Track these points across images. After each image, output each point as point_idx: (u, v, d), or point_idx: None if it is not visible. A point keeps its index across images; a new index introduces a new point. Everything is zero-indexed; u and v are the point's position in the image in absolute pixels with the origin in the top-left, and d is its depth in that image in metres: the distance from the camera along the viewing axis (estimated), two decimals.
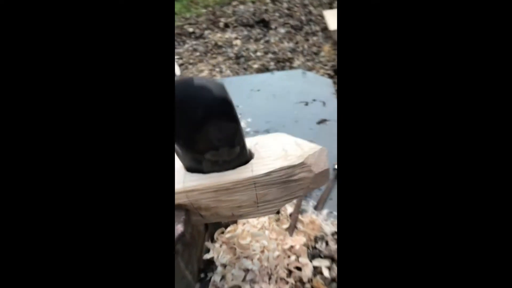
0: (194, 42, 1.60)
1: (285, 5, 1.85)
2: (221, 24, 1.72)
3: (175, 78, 0.35)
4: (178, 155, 0.37)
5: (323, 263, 0.52)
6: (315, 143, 0.38)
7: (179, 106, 0.32)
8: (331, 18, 1.39)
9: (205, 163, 0.35)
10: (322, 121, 0.88)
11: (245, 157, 0.36)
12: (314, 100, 0.96)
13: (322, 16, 1.56)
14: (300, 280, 0.50)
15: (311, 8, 1.70)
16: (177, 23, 1.89)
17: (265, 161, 0.36)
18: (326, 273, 0.51)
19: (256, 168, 0.35)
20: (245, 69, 1.25)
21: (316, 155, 0.37)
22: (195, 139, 0.33)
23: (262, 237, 0.54)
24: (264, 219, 0.58)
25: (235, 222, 0.58)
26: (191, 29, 1.74)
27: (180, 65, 1.36)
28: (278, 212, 0.61)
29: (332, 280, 0.51)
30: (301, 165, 0.35)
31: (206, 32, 1.68)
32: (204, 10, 2.04)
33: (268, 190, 0.36)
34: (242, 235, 0.54)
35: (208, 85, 0.32)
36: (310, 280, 0.50)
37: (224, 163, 0.35)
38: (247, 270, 0.51)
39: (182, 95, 0.32)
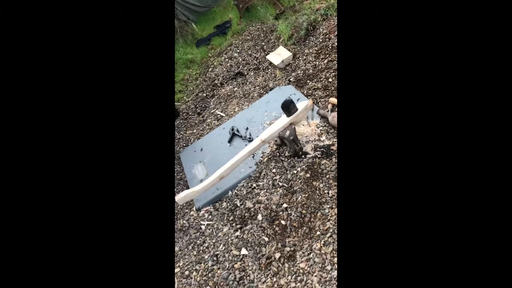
0: (213, 99, 2.99)
1: (240, 59, 3.32)
2: (218, 83, 3.13)
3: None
4: (286, 114, 1.80)
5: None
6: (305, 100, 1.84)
7: (285, 103, 1.77)
8: (272, 58, 2.89)
9: (292, 113, 1.79)
10: (298, 100, 2.35)
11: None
12: (290, 94, 2.42)
13: (265, 58, 3.06)
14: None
15: (256, 55, 3.20)
16: (190, 97, 3.24)
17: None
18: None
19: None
20: (252, 98, 2.69)
21: (298, 114, 1.81)
22: (290, 108, 1.77)
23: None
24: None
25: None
26: (204, 94, 3.12)
27: (221, 112, 2.74)
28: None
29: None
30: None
31: (214, 91, 3.08)
32: (197, 81, 3.42)
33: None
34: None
35: (289, 98, 1.78)
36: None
37: (294, 112, 1.80)
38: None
39: (285, 101, 1.78)
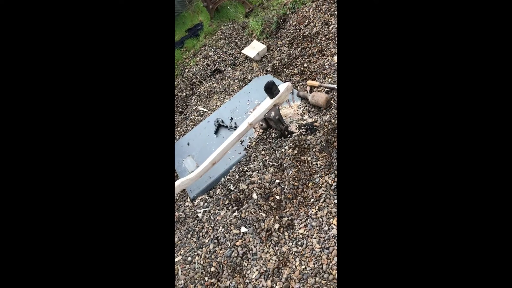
0: (193, 97, 3.02)
1: (215, 57, 3.39)
2: (197, 82, 3.17)
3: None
4: (269, 96, 1.89)
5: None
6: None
7: (267, 85, 1.87)
8: (247, 52, 3.00)
9: (275, 95, 1.89)
10: (278, 85, 2.46)
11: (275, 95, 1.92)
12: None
13: (240, 53, 3.15)
14: None
15: (231, 52, 3.28)
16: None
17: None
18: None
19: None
20: (232, 91, 2.76)
21: (280, 95, 1.91)
22: (272, 89, 1.87)
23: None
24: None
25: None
26: (184, 93, 3.14)
27: (203, 107, 2.78)
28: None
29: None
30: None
31: (194, 90, 3.11)
32: (175, 83, 3.44)
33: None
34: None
35: (270, 81, 1.87)
36: None
37: (276, 94, 1.89)
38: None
39: (267, 83, 1.87)
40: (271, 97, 1.88)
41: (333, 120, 1.89)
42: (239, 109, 2.43)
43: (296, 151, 1.85)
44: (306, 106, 2.11)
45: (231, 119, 2.38)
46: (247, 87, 2.63)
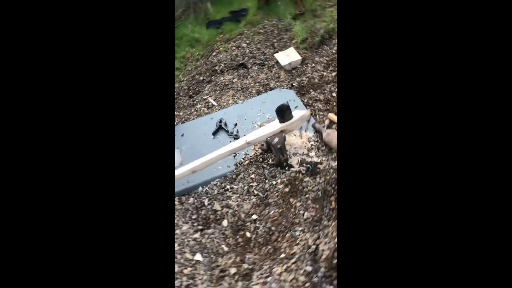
0: (209, 85, 2.81)
1: (247, 50, 3.14)
2: (219, 70, 2.94)
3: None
4: (279, 120, 1.64)
5: None
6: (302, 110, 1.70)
7: (280, 108, 1.62)
8: (280, 57, 2.73)
9: (285, 120, 1.64)
10: (296, 107, 2.20)
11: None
12: (289, 100, 2.27)
13: (273, 56, 2.89)
14: None
15: (265, 51, 3.02)
16: (186, 77, 3.05)
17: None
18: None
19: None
20: (249, 94, 2.52)
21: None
22: (285, 114, 1.62)
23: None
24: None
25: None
26: (201, 78, 2.93)
27: (214, 100, 2.56)
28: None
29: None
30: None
31: (212, 77, 2.89)
32: (197, 63, 3.22)
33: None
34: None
35: (286, 103, 1.62)
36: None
37: (288, 119, 1.65)
38: None
39: (280, 106, 1.62)
40: (281, 121, 1.64)
41: None
42: (248, 117, 2.19)
43: (287, 189, 1.62)
44: (317, 141, 1.85)
45: (235, 125, 2.15)
46: (264, 96, 2.39)
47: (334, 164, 1.66)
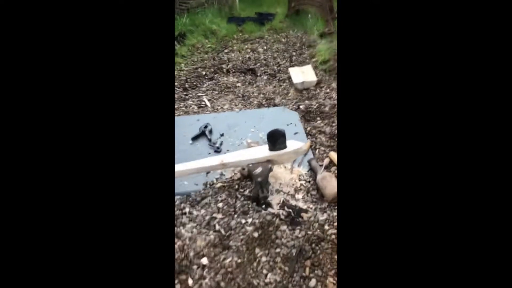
0: (209, 83, 2.49)
1: (262, 57, 2.85)
2: (225, 70, 2.64)
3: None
4: (269, 147, 1.32)
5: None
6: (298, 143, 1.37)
7: (272, 133, 1.29)
8: (293, 74, 2.43)
9: (276, 149, 1.32)
10: (295, 134, 1.88)
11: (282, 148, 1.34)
12: (290, 123, 1.95)
13: (287, 69, 2.59)
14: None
15: (280, 62, 2.72)
16: (188, 67, 2.74)
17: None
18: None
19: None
20: (249, 104, 2.21)
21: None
22: (277, 142, 1.29)
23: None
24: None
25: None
26: (203, 72, 2.62)
27: (208, 100, 2.25)
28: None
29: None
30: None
31: (216, 75, 2.58)
32: (206, 55, 2.92)
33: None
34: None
35: (280, 129, 1.29)
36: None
37: (279, 149, 1.32)
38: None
39: (274, 131, 1.29)
40: (271, 149, 1.31)
41: (327, 228, 1.29)
42: (239, 129, 1.87)
43: (256, 234, 1.27)
44: (309, 182, 1.52)
45: (221, 135, 1.82)
46: (264, 111, 2.07)
47: (322, 217, 1.32)
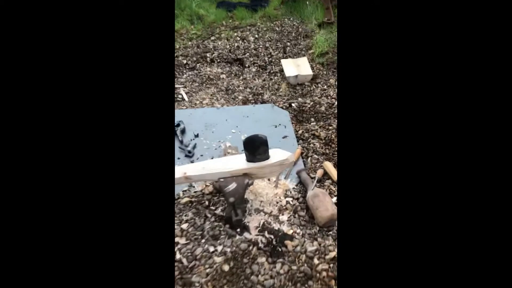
0: (190, 73, 2.18)
1: (252, 46, 2.53)
2: (209, 59, 2.32)
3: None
4: (246, 157, 1.03)
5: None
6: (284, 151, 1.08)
7: (250, 140, 0.99)
8: (286, 66, 2.13)
9: (255, 160, 1.03)
10: (284, 137, 1.59)
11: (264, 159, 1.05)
12: (279, 124, 1.66)
13: (279, 61, 2.29)
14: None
15: (272, 53, 2.42)
16: None
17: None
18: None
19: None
20: (233, 99, 1.91)
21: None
22: (257, 151, 1.00)
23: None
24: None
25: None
26: (184, 61, 2.30)
27: (186, 93, 1.94)
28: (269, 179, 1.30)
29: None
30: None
31: (198, 65, 2.27)
32: (189, 43, 2.60)
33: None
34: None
35: (261, 135, 1.00)
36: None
37: (259, 160, 1.03)
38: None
39: (253, 137, 0.99)
40: (248, 160, 1.02)
41: (316, 261, 1.02)
42: (218, 130, 1.57)
43: (227, 268, 1.00)
44: (297, 199, 1.24)
45: (196, 135, 1.53)
46: (249, 108, 1.77)
47: (311, 248, 1.05)
